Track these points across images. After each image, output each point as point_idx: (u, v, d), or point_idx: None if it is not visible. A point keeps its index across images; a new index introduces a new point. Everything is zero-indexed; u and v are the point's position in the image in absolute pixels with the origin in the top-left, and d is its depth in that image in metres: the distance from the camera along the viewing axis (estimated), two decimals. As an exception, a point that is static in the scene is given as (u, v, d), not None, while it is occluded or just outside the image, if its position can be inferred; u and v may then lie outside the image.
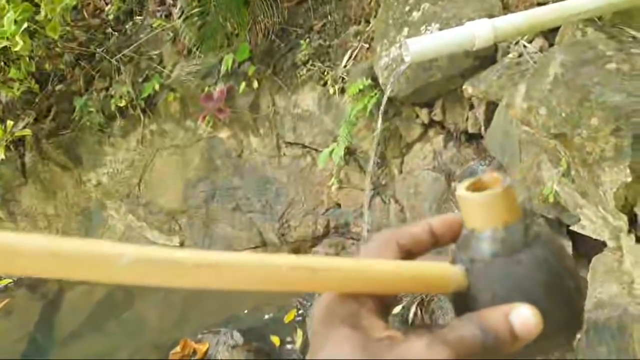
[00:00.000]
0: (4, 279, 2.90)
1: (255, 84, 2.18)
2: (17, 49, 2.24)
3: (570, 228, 1.37)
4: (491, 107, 1.57)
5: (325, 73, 2.05)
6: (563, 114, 1.09)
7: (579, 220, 1.31)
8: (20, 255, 0.22)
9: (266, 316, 2.11)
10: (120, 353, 2.19)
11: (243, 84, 2.17)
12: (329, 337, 0.27)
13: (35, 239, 0.22)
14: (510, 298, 0.28)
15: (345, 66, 1.99)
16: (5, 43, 2.21)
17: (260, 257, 0.26)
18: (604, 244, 1.26)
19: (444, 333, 0.27)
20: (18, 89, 2.49)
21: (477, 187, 0.31)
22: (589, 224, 1.28)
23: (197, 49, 2.26)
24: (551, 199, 1.32)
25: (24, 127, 2.55)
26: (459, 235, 0.32)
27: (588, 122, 1.05)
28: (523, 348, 0.28)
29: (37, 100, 2.59)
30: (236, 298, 2.32)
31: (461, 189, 0.31)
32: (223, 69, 2.18)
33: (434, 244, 0.32)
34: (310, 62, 2.09)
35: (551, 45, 1.46)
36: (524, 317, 0.27)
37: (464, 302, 0.30)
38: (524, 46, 1.52)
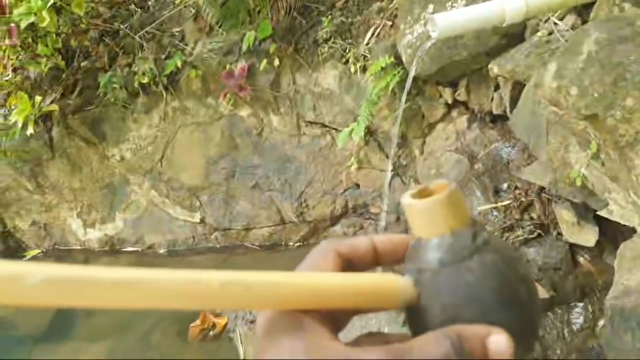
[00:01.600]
0: (34, 249, 3.01)
1: (277, 62, 2.15)
2: (43, 24, 2.27)
3: (597, 213, 1.33)
4: (517, 87, 1.52)
5: (347, 51, 2.01)
6: (595, 94, 1.05)
7: (607, 205, 1.27)
8: None
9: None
10: (142, 324, 2.26)
11: (264, 62, 2.15)
12: (270, 349, 0.26)
13: None
14: (460, 307, 0.27)
15: (367, 44, 1.95)
16: (32, 19, 2.24)
17: (188, 273, 0.24)
18: (633, 230, 1.22)
19: (410, 350, 0.25)
20: (45, 65, 2.53)
21: (423, 195, 0.29)
22: (618, 209, 1.24)
23: (219, 26, 2.24)
24: (578, 183, 1.28)
25: (52, 103, 2.60)
26: (402, 258, 0.30)
27: (623, 102, 1.01)
28: None
29: (63, 76, 2.63)
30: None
31: (406, 197, 0.29)
32: (244, 46, 2.17)
33: (376, 260, 0.31)
34: (332, 39, 2.05)
35: (584, 22, 1.39)
36: (500, 344, 0.27)
37: (415, 313, 0.29)
38: (555, 24, 1.46)
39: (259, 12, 2.18)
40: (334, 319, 0.29)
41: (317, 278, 0.28)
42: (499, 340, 0.27)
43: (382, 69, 1.79)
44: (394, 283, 0.28)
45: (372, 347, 0.26)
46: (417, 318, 0.29)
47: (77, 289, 0.23)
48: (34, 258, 2.95)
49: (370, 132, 2.05)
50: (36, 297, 0.22)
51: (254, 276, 0.26)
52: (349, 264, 0.30)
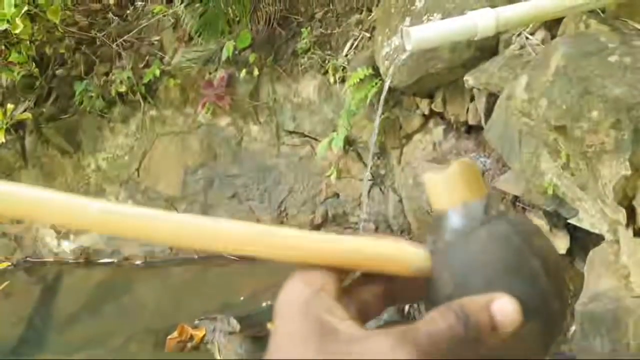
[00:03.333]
0: (3, 262, 2.91)
1: (256, 72, 2.16)
2: (17, 31, 2.23)
3: (568, 221, 1.37)
4: (492, 98, 1.57)
5: (326, 62, 2.04)
6: (564, 106, 1.09)
7: (577, 213, 1.31)
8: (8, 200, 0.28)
9: (263, 304, 2.13)
10: (117, 337, 2.20)
11: (244, 72, 2.16)
12: (287, 328, 0.26)
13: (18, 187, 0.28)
14: (467, 275, 0.28)
15: (346, 55, 1.98)
16: (5, 26, 2.20)
17: (205, 219, 0.28)
18: (601, 237, 1.26)
19: (416, 329, 0.25)
20: (18, 73, 2.48)
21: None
22: (587, 217, 1.28)
23: (198, 36, 2.24)
24: (550, 192, 1.32)
25: (24, 111, 2.55)
26: None
27: (589, 114, 1.05)
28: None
29: (37, 84, 2.58)
30: (234, 285, 2.32)
31: (427, 172, 0.31)
32: (224, 56, 2.17)
33: None
34: (311, 50, 2.07)
35: (553, 37, 1.44)
36: (505, 308, 0.26)
37: (429, 284, 0.29)
38: (526, 38, 1.51)
39: (238, 22, 2.19)
40: (364, 306, 0.30)
41: (329, 237, 0.29)
42: (502, 305, 0.26)
43: (361, 80, 1.82)
44: (406, 249, 0.29)
45: (379, 331, 0.25)
46: (430, 288, 0.29)
47: (132, 222, 0.28)
48: (3, 271, 2.86)
49: (349, 142, 2.07)
50: (99, 226, 0.28)
51: (269, 228, 0.29)
52: None
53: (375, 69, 1.82)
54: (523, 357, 0.29)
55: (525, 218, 0.30)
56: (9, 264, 2.89)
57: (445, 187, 0.30)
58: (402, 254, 0.29)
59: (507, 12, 1.09)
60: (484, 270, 0.28)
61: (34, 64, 2.52)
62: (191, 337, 2.05)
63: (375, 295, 0.31)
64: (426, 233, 0.32)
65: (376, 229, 2.11)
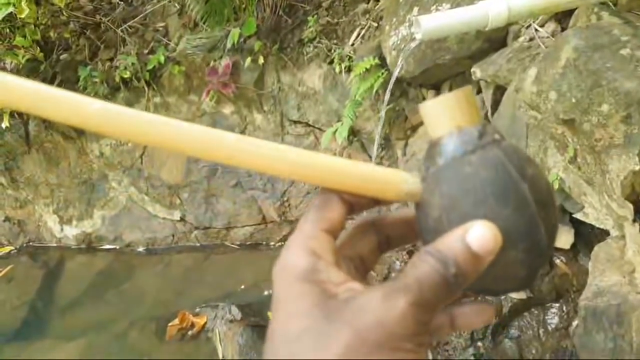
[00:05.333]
0: (6, 246, 2.92)
1: (261, 60, 2.15)
2: (22, 15, 2.22)
3: (573, 216, 1.36)
4: (499, 91, 1.55)
5: (332, 51, 2.02)
6: (573, 99, 1.07)
7: (583, 208, 1.30)
8: (13, 93, 0.27)
9: (265, 293, 2.13)
10: (119, 323, 2.22)
11: (249, 60, 2.14)
12: (286, 293, 0.26)
13: (26, 82, 0.28)
14: (455, 198, 0.27)
15: (352, 45, 1.96)
16: (10, 9, 2.18)
17: (205, 128, 0.29)
18: (606, 233, 1.26)
19: (401, 277, 0.25)
20: (23, 57, 2.47)
21: None
22: (593, 212, 1.27)
23: (203, 22, 2.22)
24: (555, 186, 1.31)
25: (28, 96, 2.54)
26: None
27: (599, 108, 1.04)
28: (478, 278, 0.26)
29: (42, 68, 2.57)
30: (235, 273, 2.33)
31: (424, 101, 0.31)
32: (229, 43, 2.15)
33: (375, 200, 0.31)
34: (317, 39, 2.05)
35: (563, 29, 1.42)
36: (479, 233, 0.26)
37: (419, 208, 0.29)
38: (536, 30, 1.49)
39: (244, 9, 2.17)
40: (361, 261, 0.30)
41: (324, 156, 0.29)
42: (478, 233, 0.26)
43: (367, 70, 1.80)
44: (397, 174, 0.29)
45: (371, 287, 0.25)
46: (420, 213, 0.29)
47: (127, 121, 0.28)
48: (7, 255, 2.87)
49: (353, 132, 2.05)
50: (96, 123, 0.28)
51: (267, 142, 0.29)
52: (351, 209, 0.30)
53: (382, 59, 1.80)
54: (504, 287, 0.29)
55: (517, 147, 0.29)
56: (12, 248, 2.90)
57: (440, 113, 0.29)
58: (394, 176, 0.29)
59: (519, 2, 1.07)
60: (472, 193, 0.27)
61: (38, 48, 2.51)
62: (192, 325, 2.06)
63: (370, 249, 0.31)
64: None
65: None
